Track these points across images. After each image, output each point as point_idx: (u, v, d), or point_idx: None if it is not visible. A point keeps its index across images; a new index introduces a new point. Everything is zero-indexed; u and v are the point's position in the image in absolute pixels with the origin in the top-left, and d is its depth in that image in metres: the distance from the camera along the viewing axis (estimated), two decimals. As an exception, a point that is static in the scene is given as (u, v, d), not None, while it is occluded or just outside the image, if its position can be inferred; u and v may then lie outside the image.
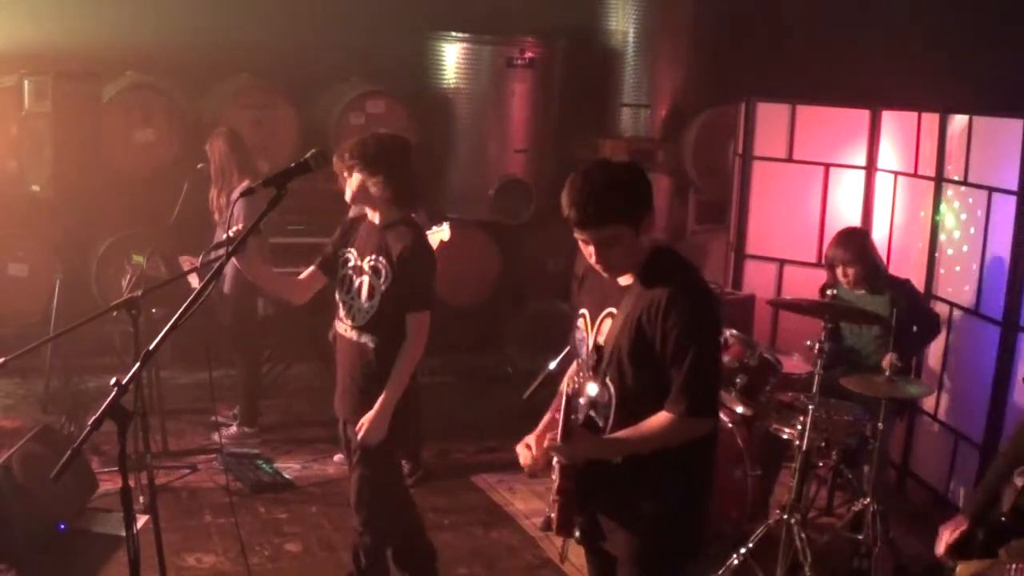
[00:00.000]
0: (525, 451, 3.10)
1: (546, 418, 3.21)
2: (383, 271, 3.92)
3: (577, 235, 2.90)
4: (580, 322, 3.10)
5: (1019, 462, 3.73)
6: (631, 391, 2.92)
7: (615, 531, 3.03)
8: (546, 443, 2.99)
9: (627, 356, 2.89)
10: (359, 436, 3.93)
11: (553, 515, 2.96)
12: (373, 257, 3.95)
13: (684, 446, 2.91)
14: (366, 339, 3.96)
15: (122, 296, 4.54)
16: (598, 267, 2.95)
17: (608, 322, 2.96)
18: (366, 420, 3.91)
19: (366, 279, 3.95)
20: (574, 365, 3.21)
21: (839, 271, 5.30)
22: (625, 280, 2.97)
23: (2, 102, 6.86)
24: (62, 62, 6.81)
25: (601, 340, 2.98)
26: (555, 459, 2.98)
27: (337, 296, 4.07)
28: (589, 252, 2.92)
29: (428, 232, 5.25)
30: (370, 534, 4.11)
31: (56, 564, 4.64)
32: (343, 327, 4.06)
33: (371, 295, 3.93)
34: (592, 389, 2.95)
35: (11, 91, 6.86)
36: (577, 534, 3.05)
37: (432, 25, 7.82)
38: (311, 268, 4.15)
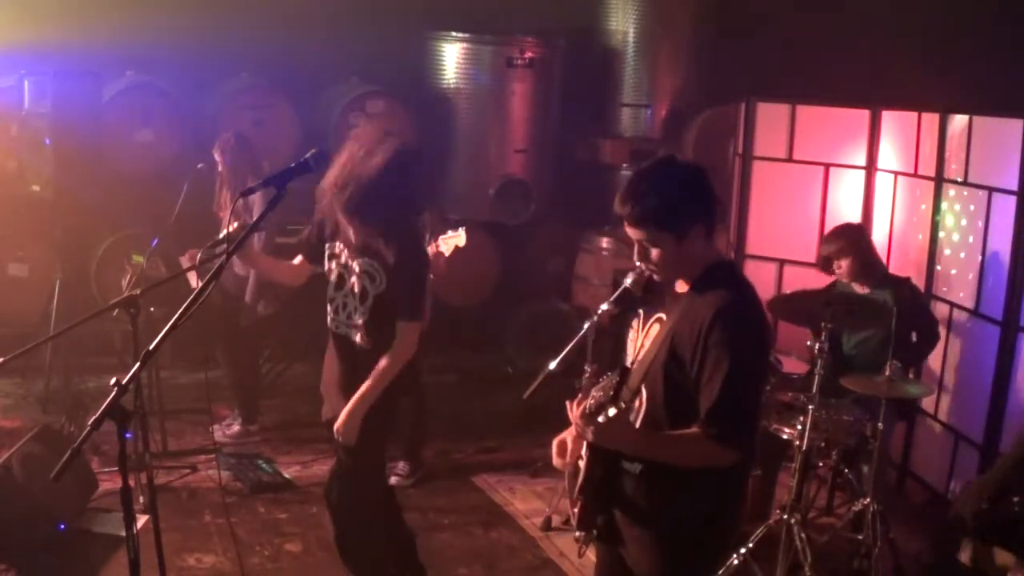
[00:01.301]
0: (560, 449, 3.06)
1: None
2: (377, 276, 3.88)
3: (626, 229, 2.86)
4: (634, 322, 3.04)
5: None
6: (659, 405, 2.85)
7: (632, 543, 2.97)
8: (576, 411, 2.84)
9: (661, 367, 2.82)
10: (336, 434, 3.95)
11: (574, 512, 2.97)
12: (365, 260, 3.90)
13: (705, 470, 2.79)
14: (361, 339, 3.95)
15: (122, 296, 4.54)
16: (643, 266, 2.89)
17: (656, 328, 2.91)
18: (340, 418, 3.92)
19: (357, 281, 3.91)
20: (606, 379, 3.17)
21: (834, 265, 5.32)
22: (682, 287, 2.90)
23: (2, 102, 6.86)
24: (62, 62, 6.80)
25: (639, 343, 2.94)
26: (580, 459, 2.96)
27: (328, 292, 4.03)
28: (635, 248, 2.88)
29: (443, 237, 5.27)
30: (337, 527, 4.16)
31: (56, 564, 4.64)
32: (335, 324, 4.03)
33: (364, 298, 3.91)
34: (611, 412, 2.82)
35: (11, 91, 6.86)
36: (595, 532, 3.03)
37: (432, 25, 7.81)
38: (299, 258, 4.17)
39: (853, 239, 5.32)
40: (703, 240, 2.83)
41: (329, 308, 4.03)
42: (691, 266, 2.85)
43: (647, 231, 2.79)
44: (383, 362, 3.89)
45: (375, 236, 3.88)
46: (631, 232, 2.83)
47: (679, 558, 2.92)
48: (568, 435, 3.09)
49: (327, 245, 4.03)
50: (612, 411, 2.81)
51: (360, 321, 3.93)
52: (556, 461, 3.08)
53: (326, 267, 4.04)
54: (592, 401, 2.88)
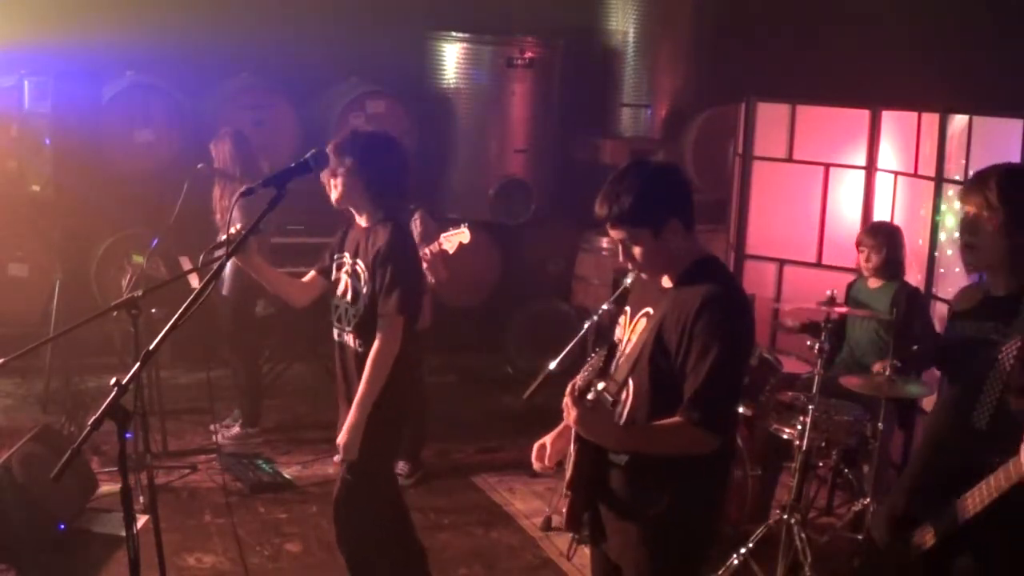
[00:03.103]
0: (539, 453, 3.15)
1: (563, 424, 3.23)
2: (362, 275, 3.87)
3: (608, 231, 2.96)
4: (621, 318, 3.11)
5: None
6: (646, 397, 2.89)
7: (616, 535, 3.00)
8: (567, 392, 2.89)
9: (647, 358, 2.87)
10: (339, 449, 3.88)
11: (563, 510, 2.98)
12: (355, 261, 3.90)
13: (691, 459, 2.83)
14: (355, 343, 3.92)
15: (122, 296, 4.54)
16: (628, 265, 2.99)
17: (643, 322, 2.97)
18: (342, 434, 3.85)
19: (349, 282, 3.92)
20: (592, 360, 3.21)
21: (863, 255, 5.38)
22: (667, 282, 2.97)
23: (2, 102, 6.87)
24: (62, 62, 6.81)
25: (625, 338, 3.00)
26: (568, 458, 2.99)
27: (333, 301, 4.03)
28: (618, 249, 2.97)
29: (444, 235, 5.26)
30: (347, 546, 4.06)
31: (56, 564, 4.64)
32: (336, 332, 4.01)
33: (354, 299, 3.89)
34: (599, 386, 2.91)
35: (11, 91, 6.86)
36: (584, 532, 3.05)
37: (432, 25, 7.82)
38: (311, 273, 4.12)
39: (889, 236, 5.42)
40: (681, 235, 2.89)
41: (333, 318, 4.02)
42: (675, 261, 2.93)
43: (625, 230, 2.88)
44: (369, 363, 3.80)
45: (370, 203, 3.86)
46: (612, 233, 2.93)
47: (663, 550, 2.93)
48: (548, 439, 3.17)
49: (335, 256, 4.02)
50: (600, 385, 2.89)
51: (353, 324, 3.90)
52: (536, 465, 3.17)
53: (333, 277, 4.02)
54: (581, 380, 2.92)
